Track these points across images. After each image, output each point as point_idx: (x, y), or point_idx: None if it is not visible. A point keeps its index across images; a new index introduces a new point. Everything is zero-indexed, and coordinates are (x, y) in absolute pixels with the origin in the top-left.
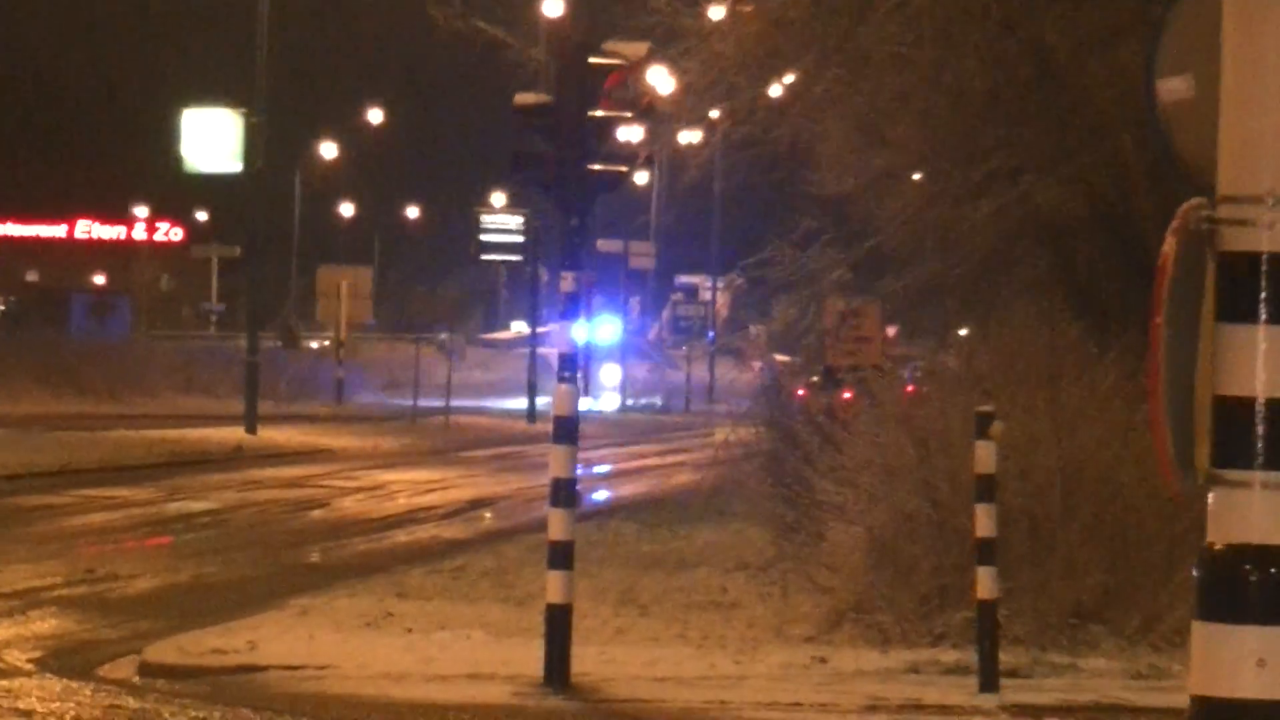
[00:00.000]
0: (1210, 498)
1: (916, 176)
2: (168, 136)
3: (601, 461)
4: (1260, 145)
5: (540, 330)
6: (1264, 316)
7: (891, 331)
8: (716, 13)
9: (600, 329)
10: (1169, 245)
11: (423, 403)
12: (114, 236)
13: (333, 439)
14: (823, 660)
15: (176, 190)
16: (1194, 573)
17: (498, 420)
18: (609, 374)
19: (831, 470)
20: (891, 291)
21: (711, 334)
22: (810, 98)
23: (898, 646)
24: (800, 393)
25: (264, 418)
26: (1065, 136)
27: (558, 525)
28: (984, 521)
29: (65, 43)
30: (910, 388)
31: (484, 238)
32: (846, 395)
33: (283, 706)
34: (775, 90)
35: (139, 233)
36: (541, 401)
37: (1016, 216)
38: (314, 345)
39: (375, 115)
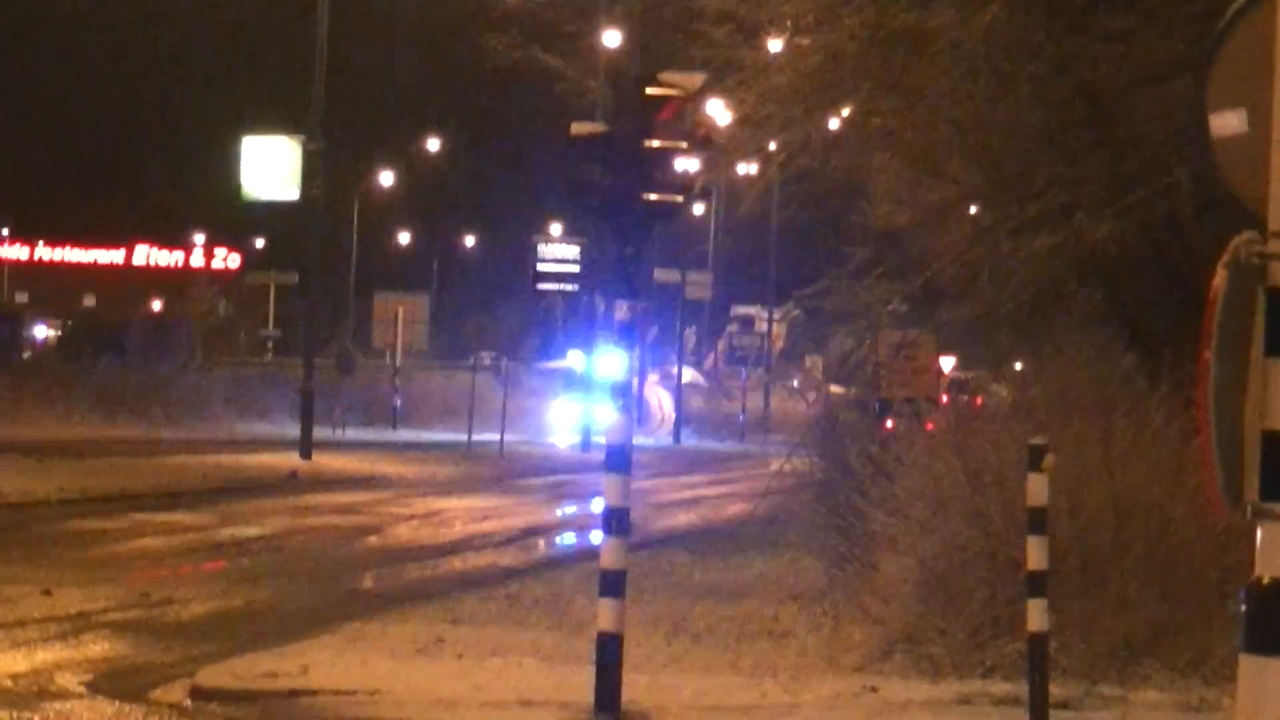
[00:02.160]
0: (1258, 531)
1: (972, 210)
2: (226, 164)
3: (655, 491)
4: None
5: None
6: None
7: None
8: (774, 45)
9: (603, 362)
10: (1219, 279)
11: (477, 431)
12: (172, 263)
13: (387, 465)
14: (873, 690)
15: (234, 217)
16: (1240, 606)
17: (552, 448)
18: (561, 411)
19: (884, 501)
20: (946, 324)
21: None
22: (865, 131)
23: (948, 677)
24: (889, 424)
25: (319, 444)
26: (1118, 171)
27: (610, 553)
28: (1035, 554)
29: (125, 70)
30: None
31: (541, 267)
32: (889, 424)
33: None
34: (831, 123)
35: (196, 259)
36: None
37: (1070, 250)
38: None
39: (433, 143)
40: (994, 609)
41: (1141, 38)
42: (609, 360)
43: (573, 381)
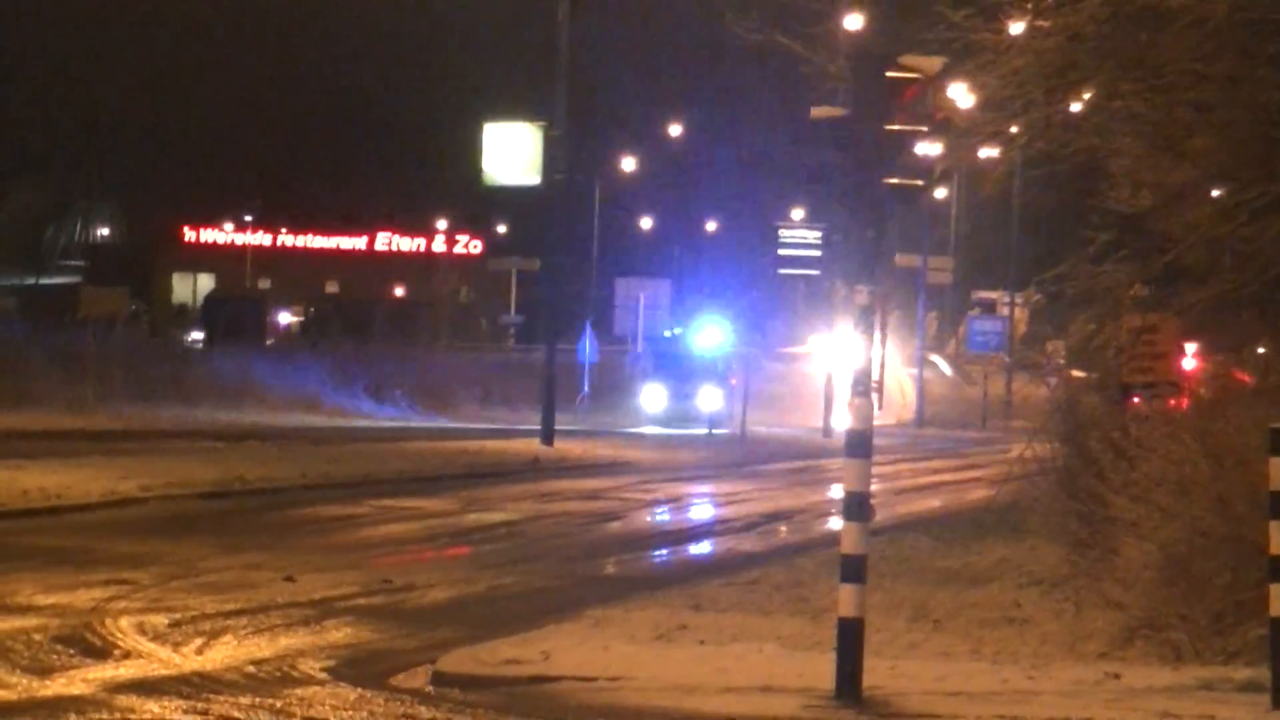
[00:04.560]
0: None
1: (1214, 192)
2: (468, 150)
3: (896, 476)
4: None
5: (836, 344)
6: None
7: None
8: (1015, 28)
9: (702, 335)
10: None
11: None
12: (414, 249)
13: (629, 451)
14: (1115, 676)
15: (476, 203)
16: None
17: (794, 433)
18: (652, 395)
19: (1125, 486)
20: (1188, 307)
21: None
22: (1106, 112)
23: (1190, 663)
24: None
25: (561, 429)
26: None
27: (851, 539)
28: (1278, 538)
29: (368, 58)
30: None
31: (782, 252)
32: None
33: (575, 717)
34: (1072, 105)
35: (438, 245)
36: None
37: None
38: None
39: (674, 128)
40: (1236, 594)
41: None
42: (710, 333)
43: (662, 363)
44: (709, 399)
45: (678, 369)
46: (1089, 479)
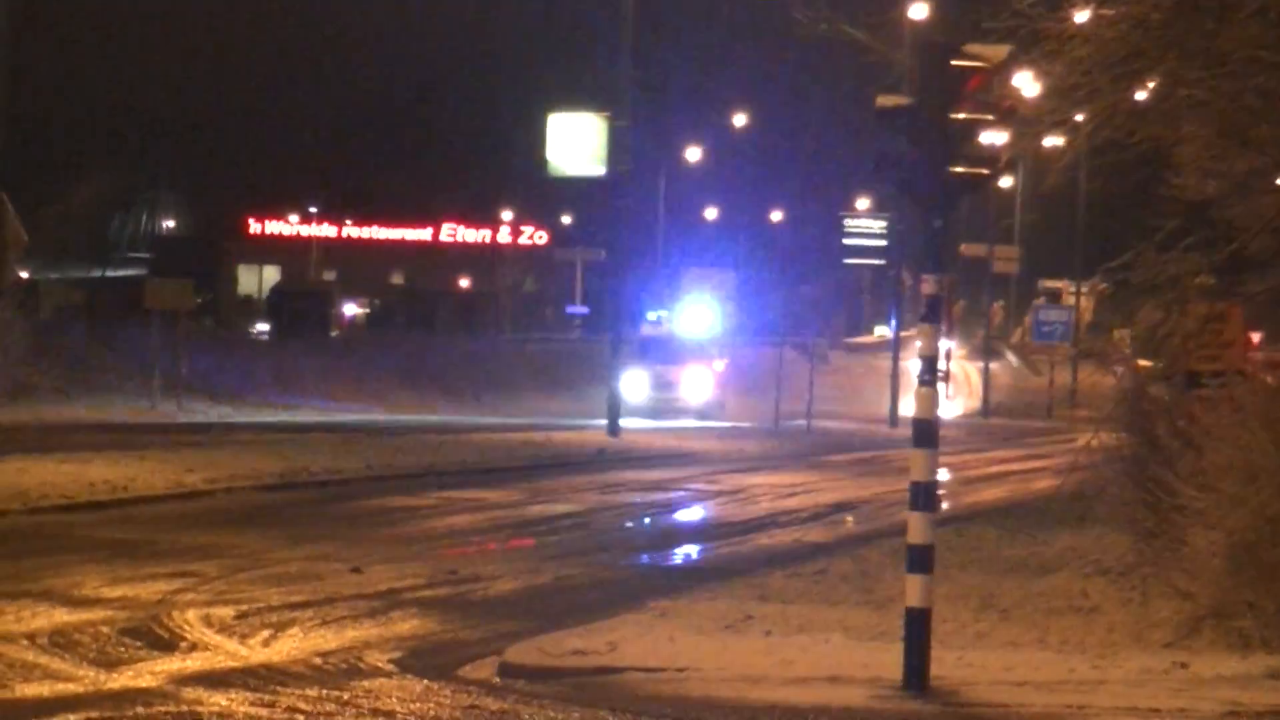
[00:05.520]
0: None
1: None
2: (533, 141)
3: (963, 466)
4: None
5: (903, 334)
6: None
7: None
8: (1080, 16)
9: (688, 318)
10: None
11: (783, 406)
12: (479, 240)
13: (695, 442)
14: (1183, 665)
15: (541, 194)
16: None
17: (859, 424)
18: (632, 383)
19: (1192, 474)
20: (1253, 295)
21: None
22: (1172, 101)
23: (1259, 652)
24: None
25: (626, 420)
26: None
27: (918, 529)
28: None
29: (432, 50)
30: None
31: (848, 241)
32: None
33: (641, 708)
34: (1137, 93)
35: (503, 236)
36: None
37: None
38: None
39: (740, 118)
40: None
41: None
42: (697, 315)
43: (647, 347)
44: (695, 388)
45: (662, 354)
46: (1156, 467)
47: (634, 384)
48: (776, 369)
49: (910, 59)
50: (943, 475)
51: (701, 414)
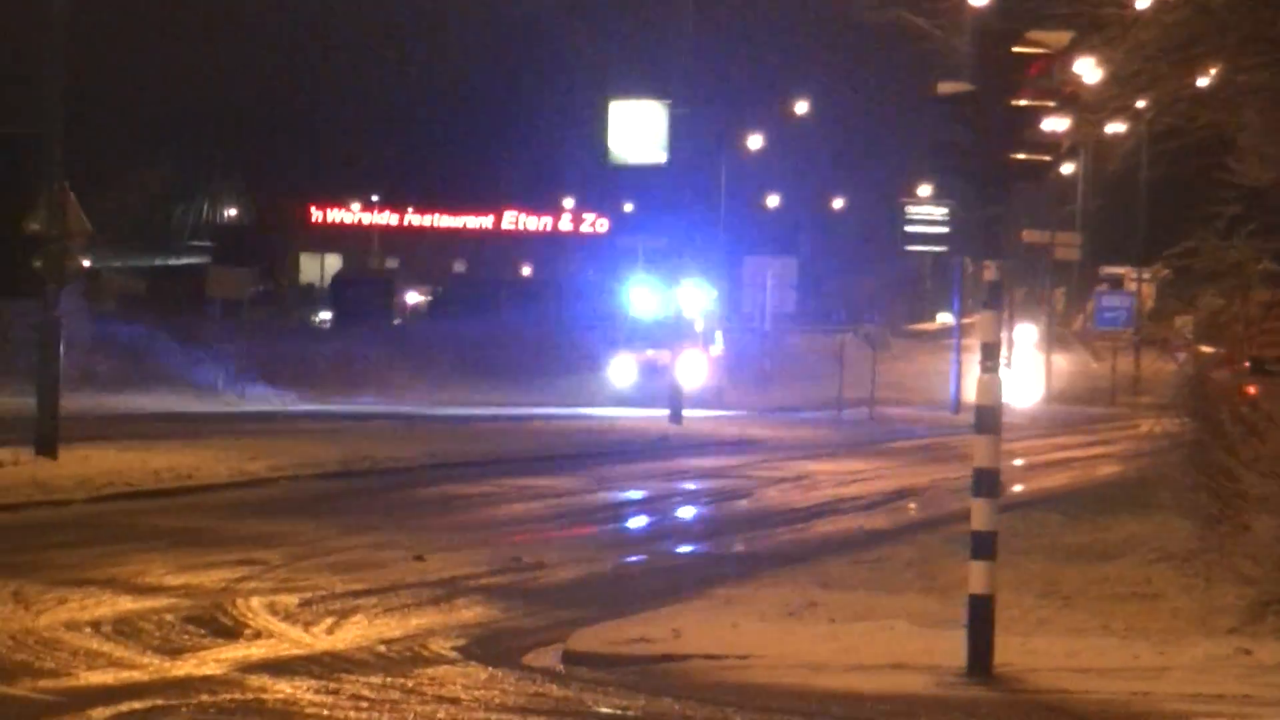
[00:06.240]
0: None
1: None
2: (594, 129)
3: (1026, 453)
4: None
5: (965, 321)
6: None
7: None
8: (1141, 2)
9: (634, 298)
10: None
11: (845, 394)
12: (540, 228)
13: (757, 429)
14: (1247, 652)
15: (602, 181)
16: None
17: (921, 411)
18: (620, 369)
19: (1255, 461)
20: None
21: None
22: (1233, 86)
23: None
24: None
25: (687, 408)
26: None
27: (981, 515)
28: None
29: (494, 37)
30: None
31: (909, 228)
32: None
33: (705, 696)
34: (1199, 79)
35: (565, 224)
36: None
37: None
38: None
39: (800, 106)
40: None
41: None
42: (643, 295)
43: (638, 331)
44: (688, 374)
45: (653, 340)
46: (1219, 454)
47: (622, 369)
48: (837, 356)
49: (971, 45)
50: (1005, 461)
51: (697, 403)
